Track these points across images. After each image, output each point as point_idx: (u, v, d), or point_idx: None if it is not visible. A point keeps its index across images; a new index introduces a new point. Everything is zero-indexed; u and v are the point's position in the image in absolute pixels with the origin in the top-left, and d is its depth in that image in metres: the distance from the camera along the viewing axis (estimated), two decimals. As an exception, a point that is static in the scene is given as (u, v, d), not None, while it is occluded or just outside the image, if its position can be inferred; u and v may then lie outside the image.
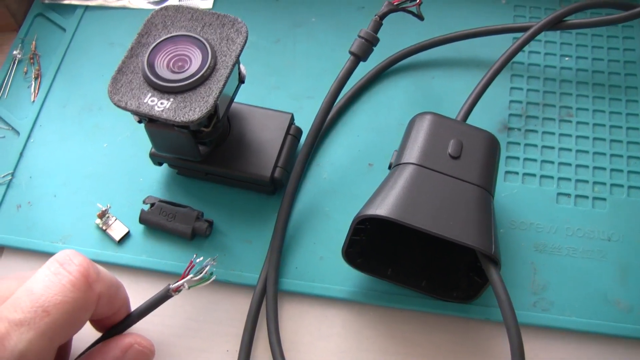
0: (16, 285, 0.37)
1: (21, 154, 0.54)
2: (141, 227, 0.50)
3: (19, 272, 0.40)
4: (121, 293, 0.41)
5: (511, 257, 0.47)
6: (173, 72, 0.41)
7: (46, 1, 0.63)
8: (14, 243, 0.50)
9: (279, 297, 0.46)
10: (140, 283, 0.48)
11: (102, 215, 0.50)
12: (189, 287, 0.41)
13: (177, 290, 0.41)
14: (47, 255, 0.48)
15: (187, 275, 0.41)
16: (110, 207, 0.50)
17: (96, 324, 0.42)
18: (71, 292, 0.35)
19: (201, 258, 0.41)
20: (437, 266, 0.46)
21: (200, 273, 0.41)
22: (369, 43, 0.48)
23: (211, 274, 0.41)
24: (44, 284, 0.35)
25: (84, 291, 0.36)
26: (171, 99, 0.40)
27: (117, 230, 0.49)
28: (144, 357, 0.41)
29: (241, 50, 0.42)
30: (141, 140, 0.52)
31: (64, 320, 0.35)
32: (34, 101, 0.57)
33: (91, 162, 0.53)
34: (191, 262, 0.41)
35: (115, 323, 0.42)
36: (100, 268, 0.39)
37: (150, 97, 0.41)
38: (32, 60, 0.59)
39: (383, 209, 0.40)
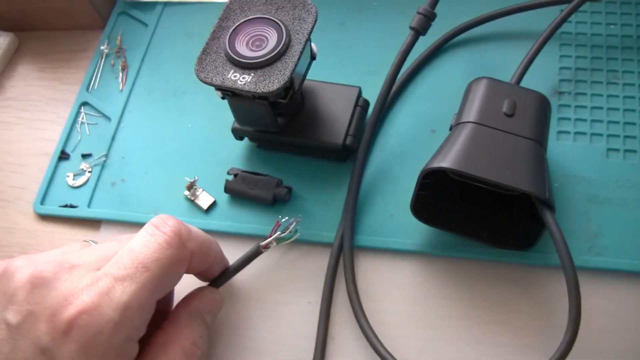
0: (118, 247, 0.41)
1: (113, 138, 0.59)
2: (226, 196, 0.53)
3: (121, 235, 0.45)
4: (213, 249, 0.45)
5: (565, 208, 0.49)
6: (252, 50, 0.45)
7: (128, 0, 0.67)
8: (111, 216, 0.54)
9: (354, 252, 0.49)
10: (228, 247, 0.49)
11: (190, 186, 0.53)
12: (277, 244, 0.45)
13: (267, 247, 0.45)
14: (141, 225, 0.51)
15: (275, 233, 0.45)
16: (197, 179, 0.54)
17: (200, 276, 0.46)
18: (166, 249, 0.39)
19: (286, 217, 0.45)
20: (498, 217, 0.48)
21: (286, 231, 0.45)
22: (427, 18, 0.51)
23: (296, 231, 0.45)
24: (142, 244, 0.39)
25: (177, 248, 0.40)
26: (252, 74, 0.44)
27: (204, 200, 0.53)
28: (216, 303, 0.45)
29: (312, 28, 0.46)
30: (222, 119, 0.56)
31: (161, 274, 0.38)
32: (122, 90, 0.62)
33: (177, 141, 0.57)
34: (277, 222, 0.45)
35: (215, 276, 0.46)
36: (192, 228, 0.42)
37: (233, 73, 0.44)
38: (118, 54, 0.64)
39: (446, 161, 0.42)
